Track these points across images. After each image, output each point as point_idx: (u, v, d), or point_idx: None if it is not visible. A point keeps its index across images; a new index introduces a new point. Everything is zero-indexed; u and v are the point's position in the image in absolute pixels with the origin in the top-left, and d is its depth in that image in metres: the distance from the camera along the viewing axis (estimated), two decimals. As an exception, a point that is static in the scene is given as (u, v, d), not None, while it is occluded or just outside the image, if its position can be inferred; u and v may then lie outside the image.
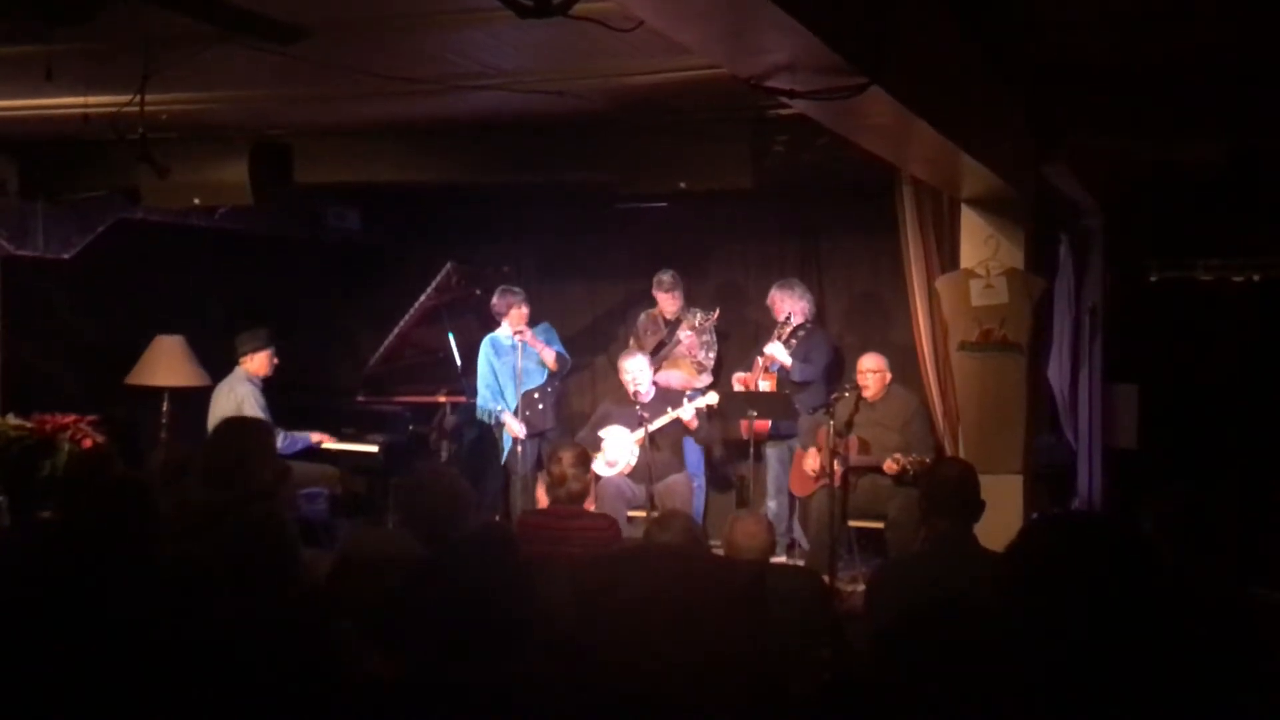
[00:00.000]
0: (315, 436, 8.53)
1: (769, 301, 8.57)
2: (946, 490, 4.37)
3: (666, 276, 8.89)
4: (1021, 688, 3.01)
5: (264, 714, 3.09)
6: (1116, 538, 3.02)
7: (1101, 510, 7.96)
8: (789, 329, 8.35)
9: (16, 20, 4.35)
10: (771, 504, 8.59)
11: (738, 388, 8.51)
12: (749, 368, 8.60)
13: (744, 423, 8.24)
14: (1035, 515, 7.17)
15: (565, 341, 9.08)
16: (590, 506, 7.60)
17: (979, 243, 6.92)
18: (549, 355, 8.70)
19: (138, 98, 5.40)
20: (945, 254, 7.40)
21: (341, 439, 8.67)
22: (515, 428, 8.59)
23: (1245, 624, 3.65)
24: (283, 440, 8.13)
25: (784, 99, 3.95)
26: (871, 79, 3.73)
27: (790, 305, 8.43)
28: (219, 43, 4.99)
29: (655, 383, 8.40)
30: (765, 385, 8.39)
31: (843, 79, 3.71)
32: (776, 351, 8.32)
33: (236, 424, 5.61)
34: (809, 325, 8.49)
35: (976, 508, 4.39)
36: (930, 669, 3.00)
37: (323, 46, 5.05)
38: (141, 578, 3.94)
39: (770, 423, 8.40)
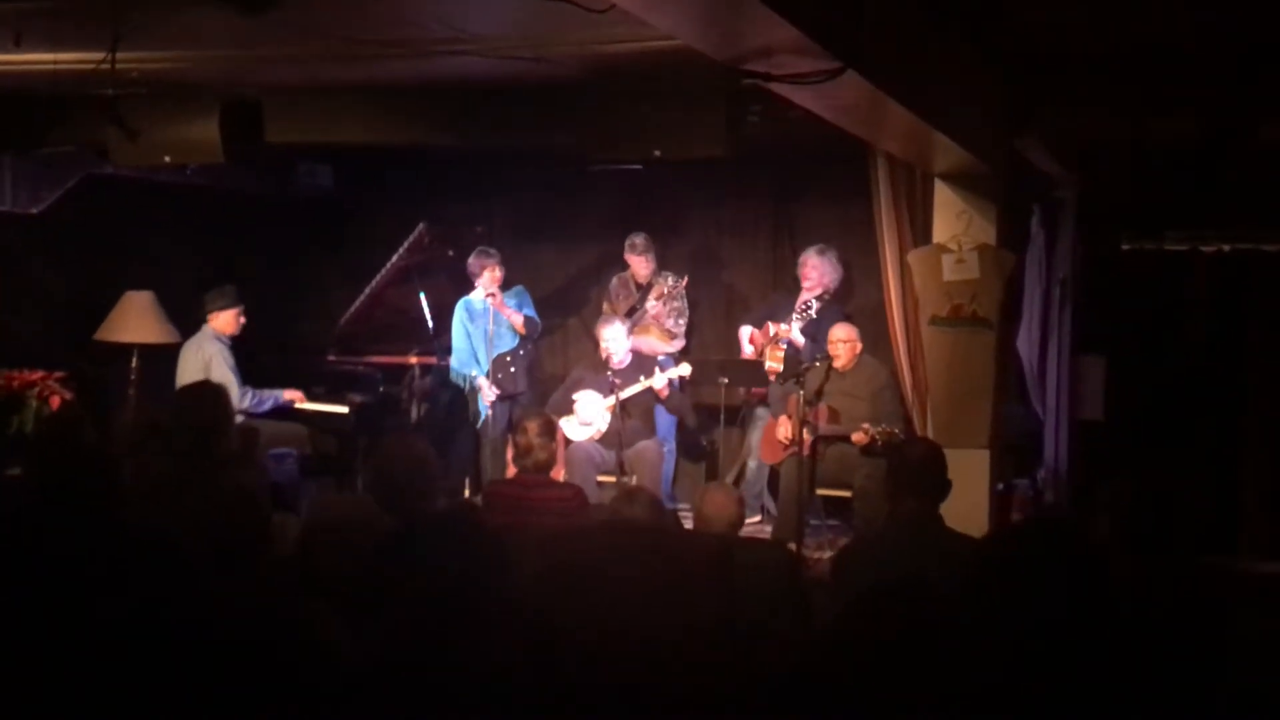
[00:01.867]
0: (287, 395, 8.43)
1: (801, 267, 8.41)
2: (913, 470, 4.39)
3: (639, 239, 8.87)
4: (981, 671, 3.06)
5: (233, 689, 3.11)
6: (1073, 547, 3.07)
7: (1065, 504, 8.00)
8: (810, 312, 8.14)
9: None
10: (752, 463, 8.60)
11: (748, 348, 8.45)
12: (758, 323, 8.48)
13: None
14: (1017, 519, 7.26)
15: (537, 303, 9.04)
16: (560, 471, 7.64)
17: (951, 217, 6.94)
18: (517, 319, 8.68)
19: (108, 59, 5.34)
20: (918, 228, 7.40)
21: (311, 399, 8.63)
22: (490, 394, 8.58)
23: (1196, 625, 3.70)
24: (251, 399, 8.10)
25: (760, 82, 3.95)
26: (846, 64, 3.73)
27: (823, 272, 8.32)
28: (190, 4, 4.94)
29: (632, 350, 8.39)
30: (777, 355, 8.22)
31: (819, 63, 3.71)
32: (793, 334, 8.17)
33: (198, 391, 5.58)
34: (826, 297, 8.35)
35: (943, 487, 4.42)
36: (892, 647, 3.04)
37: (295, 9, 5.00)
38: (107, 546, 3.94)
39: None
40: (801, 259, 8.43)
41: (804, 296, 8.32)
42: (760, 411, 8.53)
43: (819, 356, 7.63)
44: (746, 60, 3.78)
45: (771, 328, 8.31)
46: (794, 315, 8.20)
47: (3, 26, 5.18)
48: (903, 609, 3.13)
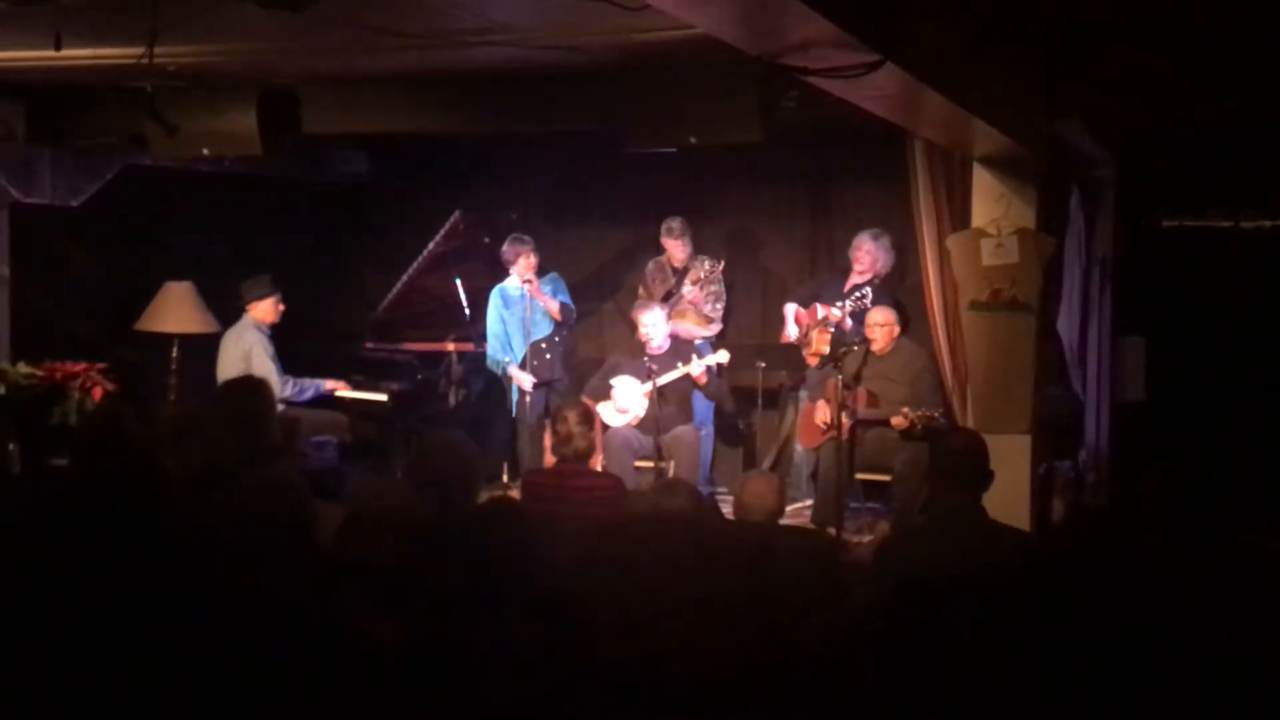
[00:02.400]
0: (329, 384, 8.50)
1: (854, 250, 8.30)
2: (955, 461, 4.37)
3: (675, 223, 8.83)
4: (1019, 665, 3.05)
5: (267, 679, 3.14)
6: (1117, 547, 3.06)
7: (1106, 489, 7.96)
8: (865, 301, 8.02)
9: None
10: (799, 448, 8.58)
11: (793, 328, 8.40)
12: (805, 302, 8.42)
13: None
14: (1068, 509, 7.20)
15: (572, 288, 9.04)
16: (598, 457, 7.66)
17: (990, 201, 6.88)
18: (553, 306, 8.68)
19: (146, 54, 5.36)
20: (956, 212, 7.34)
21: (351, 386, 8.68)
22: (522, 380, 8.60)
23: (1239, 608, 3.68)
24: (293, 388, 8.15)
25: (797, 75, 3.93)
26: (885, 56, 3.70)
27: (876, 257, 8.23)
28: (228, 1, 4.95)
29: (670, 335, 8.38)
30: (824, 339, 8.15)
31: (857, 57, 3.69)
32: (846, 321, 8.07)
33: (240, 384, 5.62)
34: (877, 282, 8.25)
35: (986, 478, 4.39)
36: (932, 641, 3.04)
37: (332, 3, 5.01)
38: (149, 539, 3.97)
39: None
40: (855, 243, 8.32)
41: (854, 280, 8.27)
42: (802, 395, 8.50)
43: (856, 340, 7.60)
44: (783, 55, 3.76)
45: (820, 310, 8.25)
46: (847, 301, 8.11)
47: (43, 26, 5.20)
48: (943, 603, 3.13)
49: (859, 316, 8.05)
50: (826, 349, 7.97)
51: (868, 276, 8.23)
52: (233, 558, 3.86)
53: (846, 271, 8.40)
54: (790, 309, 8.49)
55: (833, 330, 8.12)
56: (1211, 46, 6.35)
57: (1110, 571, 3.30)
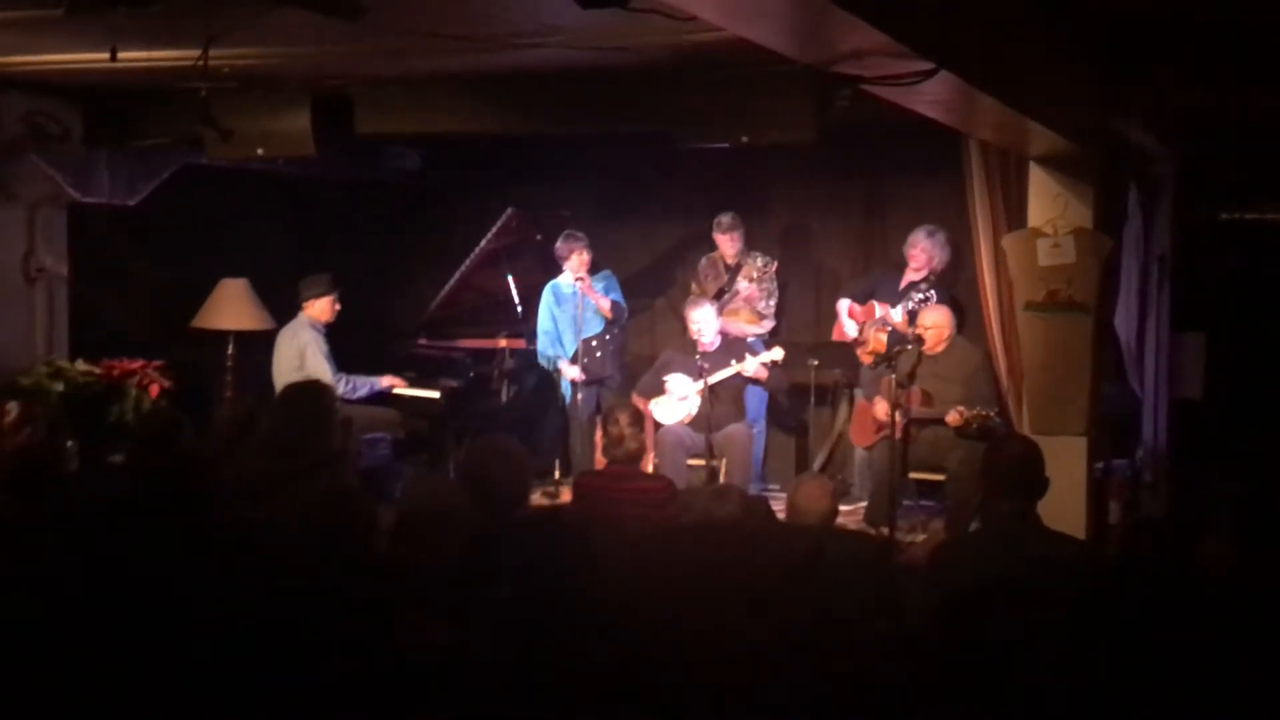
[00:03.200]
0: (385, 381, 8.52)
1: (909, 248, 8.24)
2: (1010, 469, 4.32)
3: (726, 218, 8.80)
4: (1072, 676, 3.02)
5: (319, 688, 3.16)
6: (1178, 565, 3.02)
7: (1166, 492, 7.86)
8: (924, 300, 7.95)
9: (79, 1, 4.36)
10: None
11: (849, 324, 8.32)
12: (861, 299, 8.36)
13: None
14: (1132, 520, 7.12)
15: (623, 285, 9.04)
16: (650, 456, 7.65)
17: (1047, 201, 6.81)
18: (605, 304, 8.68)
19: (201, 58, 5.40)
20: (1013, 211, 7.27)
21: (406, 383, 8.70)
22: (571, 371, 8.61)
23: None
24: (346, 385, 8.20)
25: (851, 83, 3.89)
26: (939, 64, 3.66)
27: (931, 254, 8.17)
28: (279, 6, 4.97)
29: (720, 332, 8.36)
30: (880, 339, 8.08)
31: (911, 65, 3.65)
32: (895, 317, 8.01)
33: (301, 389, 5.64)
34: (932, 279, 8.18)
35: (1040, 487, 4.34)
36: (987, 652, 3.02)
37: (385, 8, 5.02)
38: (204, 546, 4.00)
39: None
40: (910, 240, 8.25)
41: (910, 278, 8.21)
42: (857, 393, 8.44)
43: (910, 340, 7.54)
44: (836, 63, 3.73)
45: (878, 309, 8.20)
46: (908, 302, 8.03)
47: (99, 30, 5.24)
48: (998, 616, 3.11)
49: (909, 309, 8.01)
50: (883, 349, 7.91)
51: (924, 273, 8.17)
52: (292, 566, 3.89)
53: (901, 266, 8.33)
54: (844, 305, 8.44)
55: (890, 330, 8.06)
56: (1270, 39, 6.24)
57: (1173, 585, 3.26)
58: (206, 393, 8.41)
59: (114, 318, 8.24)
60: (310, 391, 5.53)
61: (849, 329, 8.34)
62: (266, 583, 3.72)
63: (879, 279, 8.48)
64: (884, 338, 8.01)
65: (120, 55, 5.83)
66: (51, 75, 6.81)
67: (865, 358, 8.09)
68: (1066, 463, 6.55)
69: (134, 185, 7.94)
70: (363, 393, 8.32)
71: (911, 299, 8.00)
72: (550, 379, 8.94)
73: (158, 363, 7.70)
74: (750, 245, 8.93)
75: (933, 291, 7.99)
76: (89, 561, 3.82)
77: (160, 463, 4.63)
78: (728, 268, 8.91)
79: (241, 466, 5.10)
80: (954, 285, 8.36)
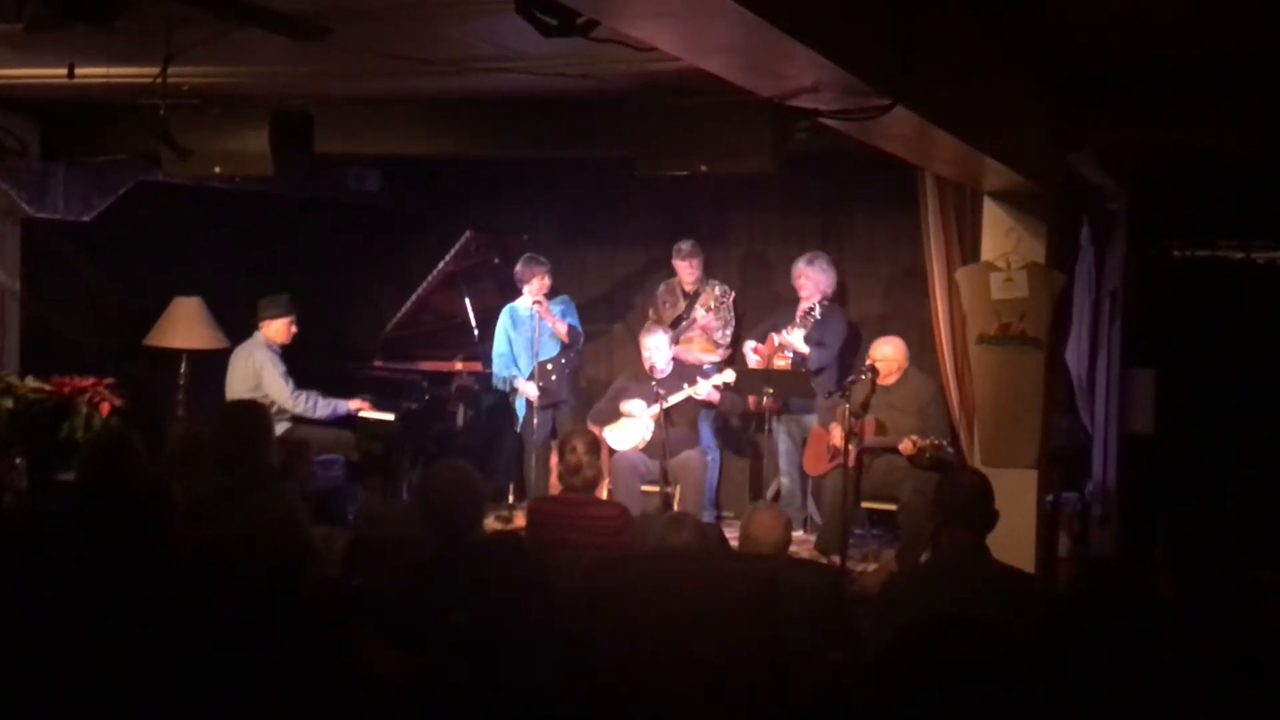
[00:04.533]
0: (353, 404, 8.38)
1: (795, 276, 8.48)
2: (961, 502, 4.36)
3: (685, 245, 8.85)
4: (1025, 709, 3.05)
5: (273, 712, 3.14)
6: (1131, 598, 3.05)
7: (1115, 524, 7.95)
8: (811, 318, 8.29)
9: (38, 17, 4.33)
10: (784, 480, 8.61)
11: (753, 359, 8.45)
12: (763, 338, 8.54)
13: (750, 398, 8.23)
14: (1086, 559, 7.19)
15: (581, 310, 9.06)
16: (605, 483, 7.66)
17: (1000, 235, 6.88)
18: (561, 327, 8.69)
19: (160, 75, 5.37)
20: (966, 245, 7.35)
21: (371, 406, 8.61)
22: (528, 390, 8.60)
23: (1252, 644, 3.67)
24: (307, 402, 8.07)
25: (808, 117, 3.92)
26: (895, 100, 3.70)
27: (817, 281, 8.36)
28: (241, 26, 4.96)
29: (673, 359, 8.39)
30: (779, 363, 8.35)
31: (867, 101, 3.68)
32: (795, 341, 8.26)
33: (235, 409, 5.64)
34: (826, 303, 8.43)
35: (991, 519, 4.39)
36: (939, 681, 3.03)
37: (346, 31, 5.02)
38: (153, 566, 3.98)
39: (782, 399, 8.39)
40: (794, 271, 8.49)
41: (803, 307, 8.37)
42: (779, 426, 8.55)
43: (865, 371, 7.59)
44: (793, 97, 3.76)
45: (775, 338, 8.35)
46: (796, 323, 8.29)
47: (58, 46, 5.21)
48: (949, 643, 3.13)
49: (816, 337, 8.25)
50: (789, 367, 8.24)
51: (816, 298, 8.37)
52: (232, 587, 3.87)
53: (795, 301, 8.49)
54: (748, 346, 8.57)
55: (790, 355, 8.29)
56: (1224, 79, 6.35)
57: (1122, 620, 3.29)
58: (158, 411, 8.35)
59: (66, 334, 8.17)
60: (243, 410, 5.52)
61: (752, 362, 8.45)
62: (215, 604, 3.69)
63: (779, 315, 8.65)
64: (785, 363, 8.31)
65: (79, 72, 5.80)
66: (9, 90, 6.76)
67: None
68: (1016, 496, 6.61)
69: (89, 201, 7.89)
70: (325, 412, 8.20)
71: (807, 322, 8.29)
72: (506, 402, 8.93)
73: (109, 380, 7.63)
74: (709, 273, 8.98)
75: (817, 308, 8.31)
76: (36, 580, 3.79)
77: (110, 481, 4.60)
78: (686, 295, 8.95)
79: (191, 486, 5.07)
80: (892, 318, 8.65)
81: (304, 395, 8.11)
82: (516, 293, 8.76)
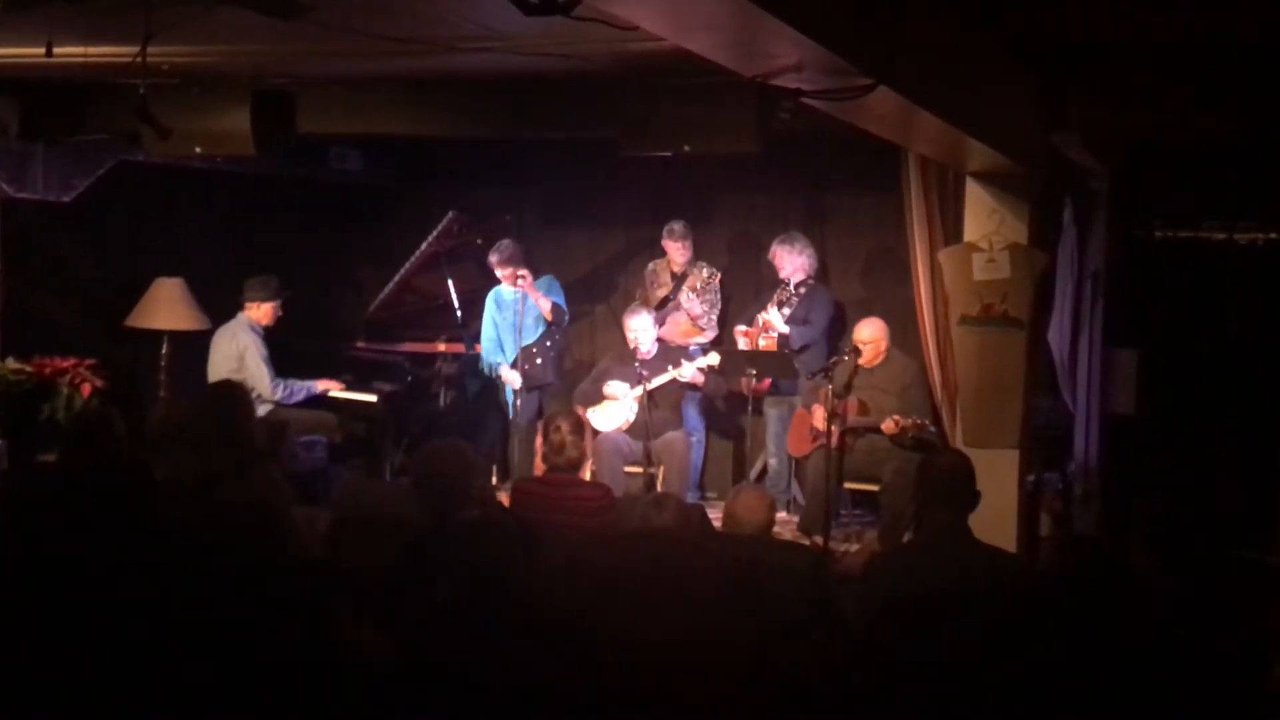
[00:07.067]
0: (321, 385, 8.42)
1: (770, 256, 8.52)
2: (943, 482, 4.38)
3: (678, 226, 8.83)
4: (1007, 687, 3.07)
5: (253, 690, 3.13)
6: (1110, 578, 3.07)
7: (1096, 505, 7.96)
8: (789, 294, 8.31)
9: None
10: (772, 461, 8.61)
11: (742, 343, 8.46)
12: (750, 321, 8.55)
13: (743, 380, 8.23)
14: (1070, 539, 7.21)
15: (565, 290, 9.03)
16: (589, 465, 7.65)
17: (983, 216, 6.89)
18: (545, 305, 8.67)
19: (140, 55, 5.33)
20: (949, 225, 7.36)
21: (344, 386, 8.62)
22: (512, 379, 8.59)
23: (1229, 624, 3.69)
24: (283, 391, 8.10)
25: (790, 97, 3.92)
26: (878, 80, 3.69)
27: (792, 261, 8.39)
28: (221, 4, 4.93)
29: (658, 339, 8.38)
30: (764, 344, 8.36)
31: (849, 80, 3.68)
32: (774, 320, 8.28)
33: (218, 389, 5.63)
34: (811, 282, 8.44)
35: (972, 499, 4.41)
36: (918, 660, 3.05)
37: (327, 8, 4.99)
38: (136, 546, 3.97)
39: (770, 380, 8.40)
40: (771, 252, 8.51)
41: (782, 284, 8.41)
42: (770, 409, 8.55)
43: (846, 351, 7.60)
44: (776, 76, 3.75)
45: (760, 319, 8.36)
46: (776, 302, 8.31)
47: (37, 25, 5.17)
48: (932, 626, 3.14)
49: (801, 315, 8.25)
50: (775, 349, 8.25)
51: (800, 277, 8.41)
52: (214, 567, 3.86)
53: (779, 282, 8.51)
54: (739, 330, 8.59)
55: (774, 336, 8.29)
56: (1208, 59, 6.35)
57: (1103, 600, 3.31)
58: (140, 392, 8.32)
59: (46, 315, 8.13)
60: (225, 391, 5.51)
61: (741, 345, 8.47)
62: (198, 584, 3.68)
63: (765, 298, 8.64)
64: (766, 343, 8.32)
65: (58, 50, 5.75)
66: (-13, 69, 6.72)
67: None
68: (998, 476, 6.63)
69: (69, 181, 7.85)
70: (299, 397, 8.23)
71: (791, 301, 8.33)
72: (493, 385, 8.92)
73: (90, 361, 7.62)
74: (696, 254, 8.96)
75: (797, 288, 8.31)
76: (17, 562, 3.78)
77: (91, 462, 4.58)
78: (674, 276, 8.93)
79: (172, 467, 5.06)
80: (876, 299, 8.61)
81: (281, 384, 8.11)
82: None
